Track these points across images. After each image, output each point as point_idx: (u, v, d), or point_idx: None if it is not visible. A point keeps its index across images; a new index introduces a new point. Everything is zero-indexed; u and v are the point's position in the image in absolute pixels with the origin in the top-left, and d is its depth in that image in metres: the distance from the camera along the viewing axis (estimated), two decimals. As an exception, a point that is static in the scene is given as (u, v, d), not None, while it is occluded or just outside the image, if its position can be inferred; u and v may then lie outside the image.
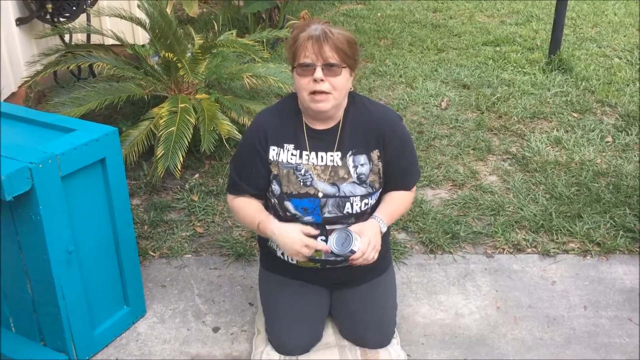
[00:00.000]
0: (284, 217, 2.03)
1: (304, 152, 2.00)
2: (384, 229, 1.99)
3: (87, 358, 2.18)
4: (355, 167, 2.00)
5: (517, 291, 2.55)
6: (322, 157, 2.00)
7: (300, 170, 2.00)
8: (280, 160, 2.01)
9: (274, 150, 2.02)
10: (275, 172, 2.02)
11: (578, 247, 2.81)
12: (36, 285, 2.05)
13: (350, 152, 2.00)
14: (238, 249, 2.77)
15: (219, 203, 3.13)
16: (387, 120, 2.04)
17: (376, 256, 1.93)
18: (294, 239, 1.92)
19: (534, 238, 2.86)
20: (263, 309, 2.25)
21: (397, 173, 2.06)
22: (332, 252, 1.93)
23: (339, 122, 2.01)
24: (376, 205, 2.07)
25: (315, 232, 1.96)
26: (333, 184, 1.99)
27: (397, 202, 2.09)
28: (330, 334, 2.25)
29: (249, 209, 2.06)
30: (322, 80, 1.87)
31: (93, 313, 2.18)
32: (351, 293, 2.20)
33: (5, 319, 2.21)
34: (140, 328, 2.35)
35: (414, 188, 2.16)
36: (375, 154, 2.01)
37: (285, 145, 2.02)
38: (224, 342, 2.29)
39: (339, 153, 2.00)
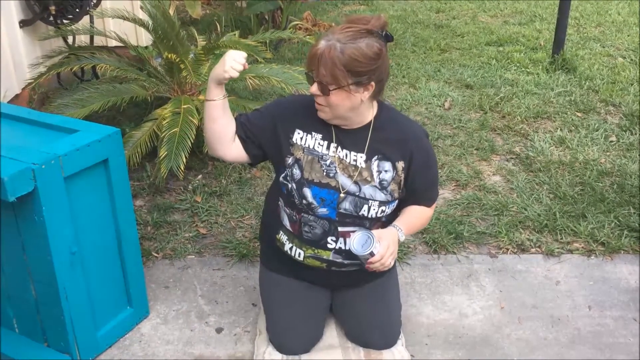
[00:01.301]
0: (299, 204, 2.00)
1: (332, 144, 1.99)
2: (402, 239, 1.97)
3: (90, 359, 2.18)
4: (379, 172, 1.98)
5: (521, 291, 2.54)
6: (346, 154, 1.99)
7: (325, 161, 1.98)
8: (306, 145, 1.99)
9: (299, 134, 2.00)
10: (298, 157, 1.99)
11: (582, 247, 2.80)
12: (39, 286, 2.05)
13: (376, 157, 1.98)
14: (241, 250, 2.76)
15: (222, 204, 3.13)
16: (416, 135, 2.03)
17: (392, 263, 1.91)
18: (223, 58, 1.87)
19: (538, 238, 2.85)
20: (264, 309, 2.25)
21: (417, 189, 2.04)
22: (351, 252, 1.91)
23: (368, 125, 1.99)
24: (392, 216, 2.06)
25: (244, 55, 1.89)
26: (355, 182, 1.98)
27: (416, 215, 2.08)
28: (334, 336, 2.25)
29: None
30: (317, 94, 1.88)
31: (96, 314, 2.18)
32: (354, 294, 2.19)
33: (9, 319, 2.21)
34: (144, 329, 2.35)
35: (434, 205, 2.15)
36: (400, 164, 1.99)
37: (313, 132, 2.00)
38: (227, 343, 2.28)
39: (364, 156, 1.98)
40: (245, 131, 2.03)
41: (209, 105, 1.96)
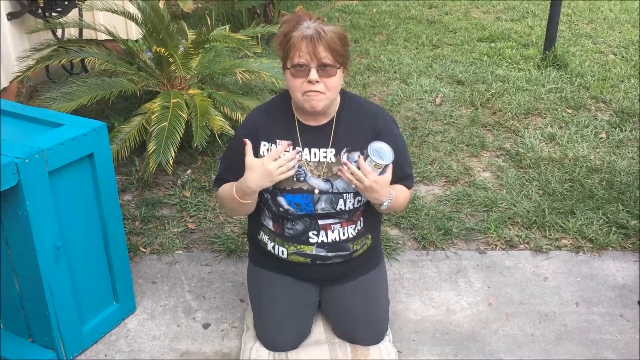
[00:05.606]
0: (277, 212, 2.02)
1: (297, 149, 1.99)
2: (386, 204, 1.95)
3: (75, 355, 2.17)
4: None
5: (509, 287, 2.54)
6: (315, 154, 1.99)
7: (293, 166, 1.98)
8: None
9: (264, 145, 2.01)
10: None
11: (570, 244, 2.80)
12: (24, 282, 2.03)
13: (345, 149, 1.99)
14: (229, 245, 2.75)
15: (211, 199, 3.11)
16: (381, 119, 2.04)
17: (367, 186, 1.87)
18: (260, 163, 1.88)
19: (526, 234, 2.85)
20: (251, 305, 2.24)
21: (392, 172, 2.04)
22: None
23: (332, 119, 2.01)
24: (369, 204, 2.05)
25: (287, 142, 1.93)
26: (327, 180, 1.98)
27: (398, 189, 2.07)
28: (321, 332, 2.24)
29: (226, 187, 2.05)
30: (317, 81, 1.85)
31: (82, 309, 2.16)
32: (342, 289, 2.18)
33: (-7, 315, 2.20)
34: (130, 324, 2.34)
35: (411, 190, 2.15)
36: None
37: (277, 141, 2.00)
38: (214, 339, 2.27)
39: (333, 150, 1.99)
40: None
41: (245, 205, 1.99)
